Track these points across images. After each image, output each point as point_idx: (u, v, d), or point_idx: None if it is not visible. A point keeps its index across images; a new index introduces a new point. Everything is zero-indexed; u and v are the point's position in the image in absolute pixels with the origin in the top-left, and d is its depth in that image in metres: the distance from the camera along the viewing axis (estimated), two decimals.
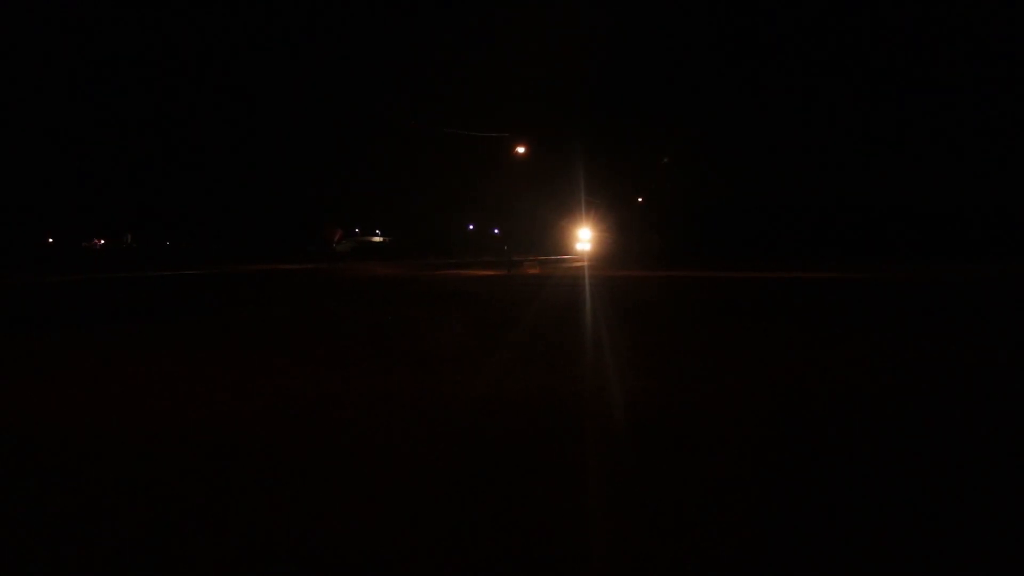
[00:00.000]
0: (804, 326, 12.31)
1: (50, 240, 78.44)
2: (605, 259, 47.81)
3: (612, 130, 64.05)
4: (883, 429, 5.46)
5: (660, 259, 45.11)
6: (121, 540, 3.52)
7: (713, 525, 3.66)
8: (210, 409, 6.22)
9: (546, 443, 5.13)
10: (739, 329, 11.90)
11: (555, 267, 43.67)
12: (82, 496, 4.11)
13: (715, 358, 8.83)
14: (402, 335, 11.44)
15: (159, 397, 6.71)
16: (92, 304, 17.78)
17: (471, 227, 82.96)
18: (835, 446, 5.04)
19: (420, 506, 3.93)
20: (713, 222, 58.39)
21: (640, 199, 57.29)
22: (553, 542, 3.48)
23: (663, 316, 14.59)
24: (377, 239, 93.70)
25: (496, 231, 70.51)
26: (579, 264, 44.99)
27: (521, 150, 40.20)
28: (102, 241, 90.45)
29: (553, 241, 71.87)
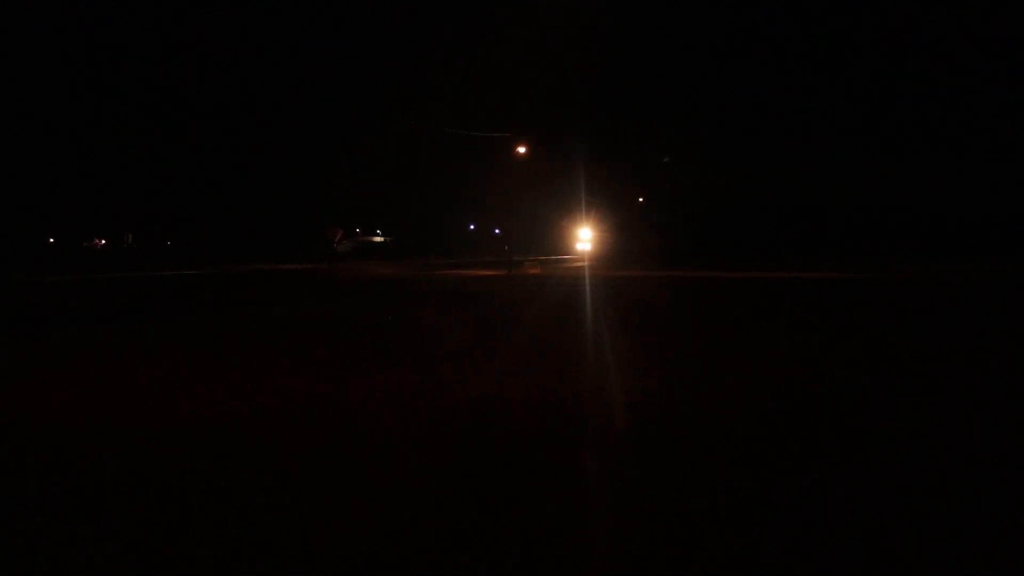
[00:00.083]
0: (804, 326, 12.31)
1: (51, 240, 78.52)
2: (605, 259, 47.83)
3: (612, 130, 64.15)
4: (884, 429, 5.46)
5: (660, 259, 45.08)
6: (121, 540, 3.52)
7: (713, 525, 3.66)
8: (210, 409, 6.22)
9: (546, 443, 5.13)
10: (739, 329, 11.90)
11: (555, 267, 43.68)
12: (82, 496, 4.11)
13: (715, 358, 8.83)
14: (402, 335, 11.45)
15: (159, 397, 6.71)
16: (93, 304, 17.78)
17: (472, 227, 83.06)
18: (836, 446, 5.04)
19: (420, 506, 3.93)
20: (713, 222, 58.31)
21: (640, 199, 57.37)
22: (553, 542, 3.48)
23: (663, 316, 14.59)
24: (378, 239, 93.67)
25: (496, 231, 70.56)
26: (579, 264, 44.99)
27: (522, 150, 40.27)
28: (103, 241, 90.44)
29: (553, 241, 71.92)
